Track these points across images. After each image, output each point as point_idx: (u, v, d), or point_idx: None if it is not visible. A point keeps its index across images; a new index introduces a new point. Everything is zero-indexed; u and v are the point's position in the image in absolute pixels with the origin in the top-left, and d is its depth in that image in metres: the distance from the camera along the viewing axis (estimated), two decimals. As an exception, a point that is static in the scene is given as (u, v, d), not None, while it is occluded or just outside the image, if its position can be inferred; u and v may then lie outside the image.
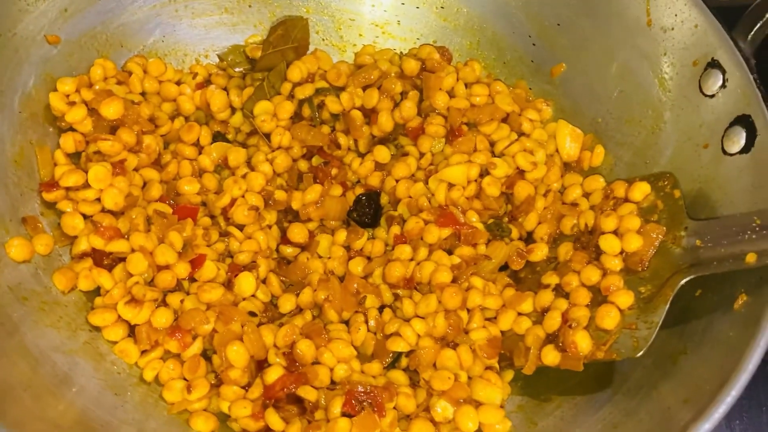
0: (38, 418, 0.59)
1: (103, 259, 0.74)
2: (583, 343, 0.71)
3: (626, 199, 0.78)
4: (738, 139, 0.72)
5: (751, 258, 0.64)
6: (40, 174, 0.76)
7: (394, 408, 0.70)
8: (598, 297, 0.74)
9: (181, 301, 0.73)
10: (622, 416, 0.67)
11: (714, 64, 0.74)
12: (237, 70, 0.89)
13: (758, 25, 0.74)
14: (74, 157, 0.79)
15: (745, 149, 0.71)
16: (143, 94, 0.84)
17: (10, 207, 0.72)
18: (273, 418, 0.68)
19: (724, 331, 0.65)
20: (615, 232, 0.76)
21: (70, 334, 0.70)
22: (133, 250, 0.73)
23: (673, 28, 0.78)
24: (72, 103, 0.78)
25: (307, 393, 0.69)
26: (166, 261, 0.74)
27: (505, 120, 0.85)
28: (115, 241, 0.73)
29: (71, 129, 0.78)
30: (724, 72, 0.73)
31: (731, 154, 0.72)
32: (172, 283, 0.74)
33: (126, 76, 0.83)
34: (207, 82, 0.88)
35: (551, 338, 0.73)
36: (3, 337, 0.64)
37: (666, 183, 0.77)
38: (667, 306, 0.69)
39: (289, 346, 0.72)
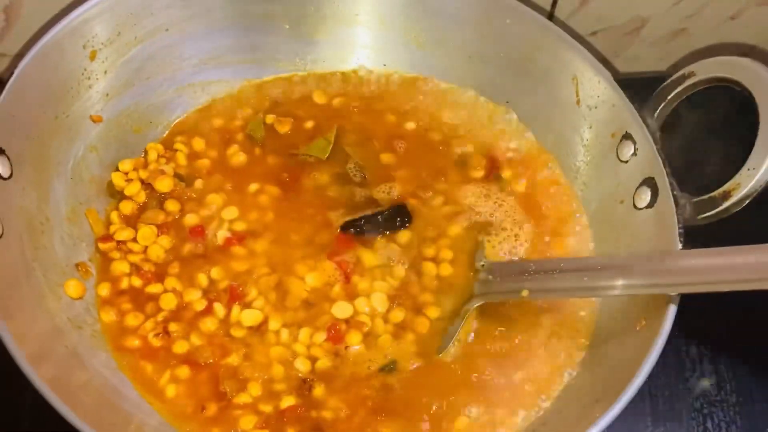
0: (98, 414, 0.75)
1: (138, 296, 0.91)
2: None
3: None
4: (645, 197, 0.88)
5: (525, 293, 0.85)
6: (94, 231, 0.93)
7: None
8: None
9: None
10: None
11: (627, 136, 0.91)
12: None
13: (662, 105, 0.91)
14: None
15: (650, 205, 0.88)
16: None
17: (65, 255, 0.89)
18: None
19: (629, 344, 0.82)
20: (434, 260, 0.95)
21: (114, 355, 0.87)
22: (165, 291, 0.90)
23: (596, 107, 0.96)
24: (129, 180, 0.97)
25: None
26: (190, 300, 0.90)
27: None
28: (153, 284, 0.91)
29: (125, 197, 0.96)
30: (635, 143, 0.90)
31: (640, 209, 0.89)
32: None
33: (172, 153, 1.01)
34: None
35: None
36: (67, 357, 0.81)
37: (475, 231, 0.97)
38: (463, 321, 0.89)
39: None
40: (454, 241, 0.97)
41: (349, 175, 1.02)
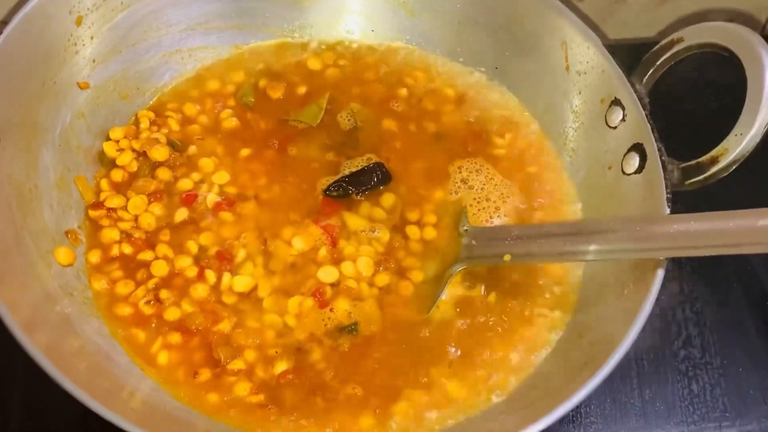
0: (91, 380, 0.75)
1: (128, 263, 0.91)
2: None
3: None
4: (633, 163, 0.89)
5: (507, 257, 0.86)
6: (84, 198, 0.93)
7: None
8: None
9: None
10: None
11: (616, 102, 0.92)
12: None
13: (650, 71, 0.91)
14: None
15: (638, 170, 0.88)
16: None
17: (55, 223, 0.89)
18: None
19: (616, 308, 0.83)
20: (418, 223, 0.96)
21: (106, 322, 0.87)
22: (156, 258, 0.90)
23: (585, 72, 0.96)
24: (121, 150, 0.97)
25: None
26: (182, 267, 0.90)
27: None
28: (144, 251, 0.91)
29: (116, 165, 0.96)
30: (624, 108, 0.91)
31: (628, 174, 0.90)
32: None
33: (164, 120, 1.01)
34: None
35: None
36: (59, 324, 0.81)
37: (459, 197, 0.97)
38: (446, 284, 0.90)
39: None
40: (438, 206, 0.97)
41: (338, 142, 1.02)
